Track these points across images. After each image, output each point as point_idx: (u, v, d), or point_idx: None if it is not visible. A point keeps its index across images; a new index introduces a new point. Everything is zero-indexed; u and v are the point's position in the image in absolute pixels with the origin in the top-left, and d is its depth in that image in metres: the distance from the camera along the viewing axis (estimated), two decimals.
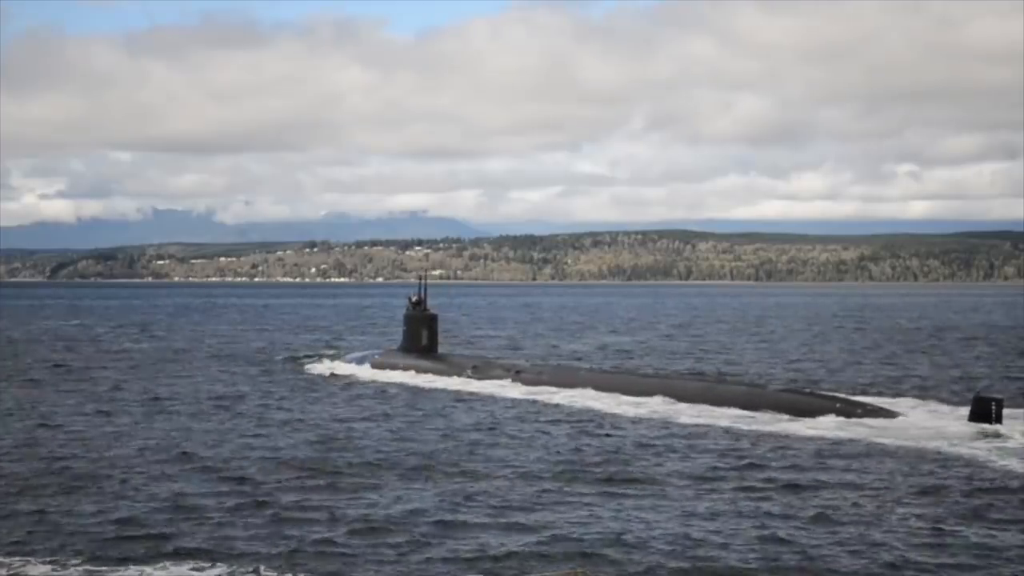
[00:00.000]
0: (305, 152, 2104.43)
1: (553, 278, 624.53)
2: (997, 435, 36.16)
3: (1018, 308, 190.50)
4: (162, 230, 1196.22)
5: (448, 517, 25.60)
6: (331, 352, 74.83)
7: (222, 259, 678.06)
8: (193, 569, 21.56)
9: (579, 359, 74.23)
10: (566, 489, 28.77)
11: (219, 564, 21.80)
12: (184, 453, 33.72)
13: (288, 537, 23.81)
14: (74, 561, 21.90)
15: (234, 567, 21.61)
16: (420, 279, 66.41)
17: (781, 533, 24.02)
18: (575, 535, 23.94)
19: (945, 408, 43.33)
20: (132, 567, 21.62)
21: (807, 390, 48.14)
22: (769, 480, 29.85)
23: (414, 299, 64.33)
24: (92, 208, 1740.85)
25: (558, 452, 34.45)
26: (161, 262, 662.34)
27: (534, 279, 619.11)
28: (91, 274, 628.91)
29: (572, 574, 19.41)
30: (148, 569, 21.53)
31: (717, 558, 22.42)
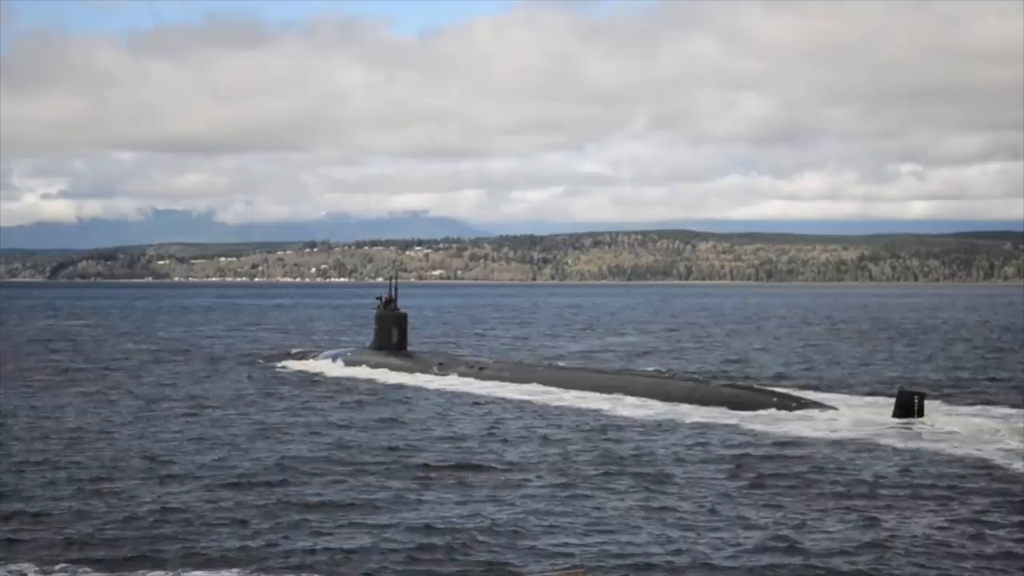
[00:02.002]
0: (307, 152, 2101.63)
1: (553, 278, 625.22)
2: (918, 427, 38.05)
3: (984, 308, 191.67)
4: (163, 230, 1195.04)
5: (438, 515, 25.96)
6: (309, 351, 76.15)
7: (222, 259, 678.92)
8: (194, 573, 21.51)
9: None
10: (534, 483, 29.67)
11: (214, 567, 21.85)
12: (164, 456, 33.78)
13: (283, 537, 23.88)
14: (74, 568, 21.88)
15: (231, 569, 21.68)
16: (391, 280, 67.95)
17: (746, 523, 25.19)
18: (552, 530, 24.57)
19: (874, 402, 45.29)
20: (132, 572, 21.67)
21: (747, 385, 50.07)
22: (709, 470, 31.35)
23: (384, 299, 65.84)
24: (93, 208, 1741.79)
25: (521, 447, 35.58)
26: (162, 262, 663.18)
27: (534, 279, 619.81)
28: (91, 274, 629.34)
29: (572, 573, 19.60)
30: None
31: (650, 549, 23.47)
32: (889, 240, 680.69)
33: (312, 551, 22.92)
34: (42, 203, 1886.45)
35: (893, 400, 41.78)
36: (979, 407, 44.41)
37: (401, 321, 65.48)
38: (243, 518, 25.68)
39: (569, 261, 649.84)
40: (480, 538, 23.88)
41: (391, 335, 64.85)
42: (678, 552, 22.71)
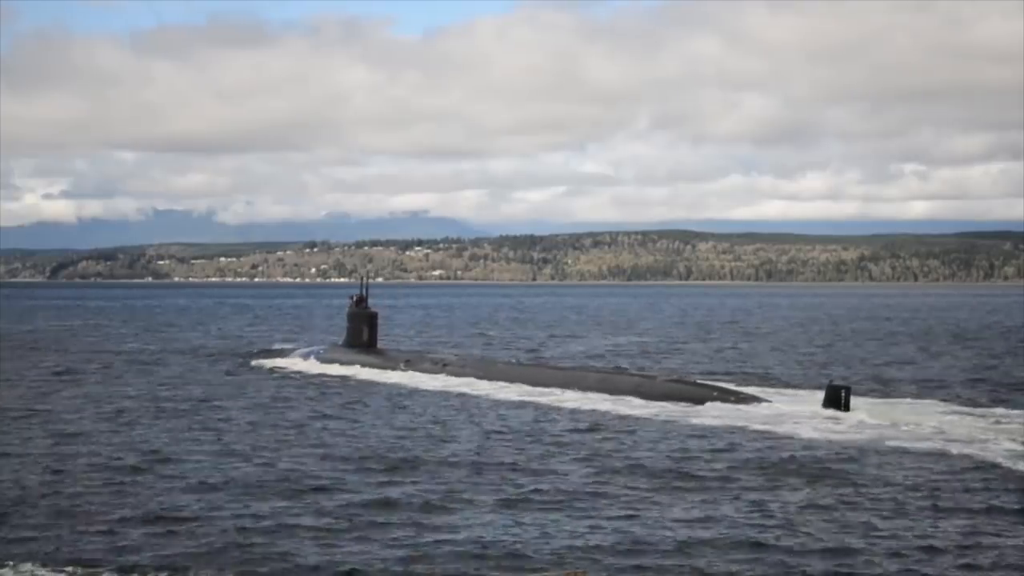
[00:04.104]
0: (309, 152, 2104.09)
1: (553, 278, 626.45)
2: (844, 418, 40.10)
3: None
4: (163, 230, 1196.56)
5: (426, 514, 25.98)
6: (284, 348, 77.44)
7: (222, 259, 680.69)
8: None
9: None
10: (490, 477, 30.18)
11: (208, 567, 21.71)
12: (146, 456, 33.65)
13: (272, 540, 23.64)
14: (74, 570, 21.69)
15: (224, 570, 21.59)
16: (362, 279, 69.30)
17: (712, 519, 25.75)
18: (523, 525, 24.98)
19: (806, 395, 47.33)
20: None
21: (690, 379, 51.98)
22: (645, 461, 32.51)
23: (356, 298, 67.14)
24: (94, 208, 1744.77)
25: (478, 441, 36.39)
26: (162, 262, 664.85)
27: (534, 279, 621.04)
28: (91, 274, 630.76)
29: (572, 574, 19.68)
30: None
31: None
32: (889, 240, 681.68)
33: (296, 550, 22.89)
34: (43, 203, 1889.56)
35: (820, 392, 43.97)
36: (902, 400, 46.51)
37: (371, 319, 66.92)
38: (225, 518, 25.51)
39: (569, 261, 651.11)
40: (471, 538, 23.93)
41: (362, 333, 66.27)
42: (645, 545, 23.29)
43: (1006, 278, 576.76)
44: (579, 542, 23.47)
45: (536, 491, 28.39)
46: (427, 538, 23.81)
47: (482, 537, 23.86)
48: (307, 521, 25.28)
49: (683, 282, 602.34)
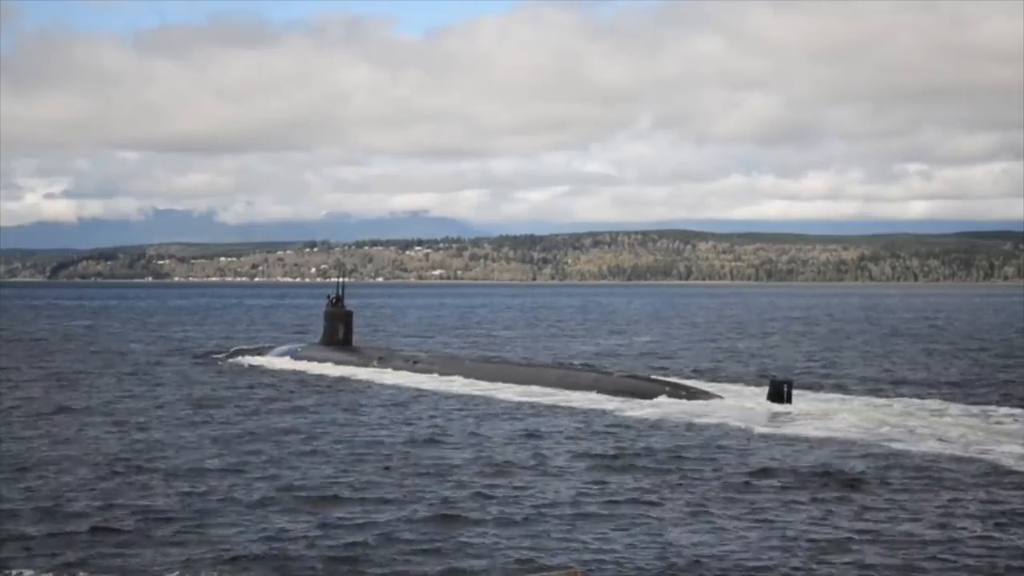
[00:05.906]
0: (310, 152, 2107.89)
1: (553, 278, 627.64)
2: (786, 412, 41.84)
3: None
4: (163, 230, 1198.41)
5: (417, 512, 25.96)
6: (264, 346, 78.54)
7: (222, 259, 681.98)
8: None
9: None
10: (459, 473, 30.63)
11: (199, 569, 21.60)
12: (137, 455, 33.64)
13: (268, 540, 23.56)
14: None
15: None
16: (339, 279, 70.89)
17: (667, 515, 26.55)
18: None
19: (753, 390, 48.93)
20: None
21: (645, 375, 53.74)
22: (599, 455, 33.50)
23: (333, 297, 68.57)
24: (95, 208, 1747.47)
25: (445, 436, 37.20)
26: (162, 262, 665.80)
27: (534, 279, 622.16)
28: (91, 274, 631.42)
29: (571, 574, 19.61)
30: None
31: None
32: (889, 240, 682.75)
33: (288, 548, 22.96)
34: (43, 203, 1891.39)
35: (765, 387, 45.79)
36: (840, 394, 48.60)
37: (347, 318, 68.44)
38: (216, 517, 25.50)
39: (569, 261, 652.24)
40: (469, 537, 23.94)
41: (338, 331, 67.76)
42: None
43: (1006, 278, 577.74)
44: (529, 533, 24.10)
45: (500, 486, 28.88)
46: (413, 536, 23.96)
47: (470, 536, 24.00)
48: (296, 518, 25.56)
49: (683, 282, 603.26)
